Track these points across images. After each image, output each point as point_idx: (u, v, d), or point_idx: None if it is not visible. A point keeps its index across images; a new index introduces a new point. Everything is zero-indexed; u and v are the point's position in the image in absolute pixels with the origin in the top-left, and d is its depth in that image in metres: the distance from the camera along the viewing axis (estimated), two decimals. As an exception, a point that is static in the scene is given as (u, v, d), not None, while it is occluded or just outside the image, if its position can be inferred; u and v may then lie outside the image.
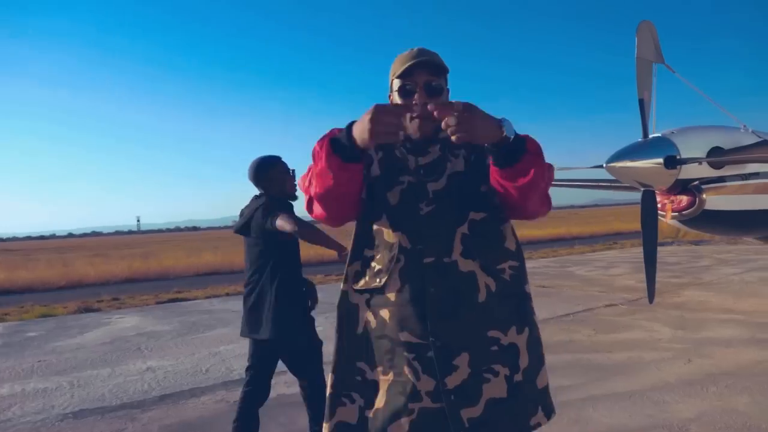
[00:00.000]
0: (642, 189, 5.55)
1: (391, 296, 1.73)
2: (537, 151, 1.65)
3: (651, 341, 6.25)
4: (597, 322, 7.34)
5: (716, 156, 5.44)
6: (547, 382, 1.82)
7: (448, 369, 1.67)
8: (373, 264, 1.79)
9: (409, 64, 1.74)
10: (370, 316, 1.78)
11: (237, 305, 10.57)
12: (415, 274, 1.72)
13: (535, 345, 1.79)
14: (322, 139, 1.69)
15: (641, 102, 5.48)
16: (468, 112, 1.54)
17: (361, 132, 1.57)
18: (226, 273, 19.58)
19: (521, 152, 1.61)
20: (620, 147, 5.52)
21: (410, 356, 1.69)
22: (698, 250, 17.04)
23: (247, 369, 3.47)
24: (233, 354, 6.68)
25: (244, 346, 6.90)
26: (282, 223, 3.21)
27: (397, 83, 1.80)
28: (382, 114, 1.55)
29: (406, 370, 1.69)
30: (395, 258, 1.74)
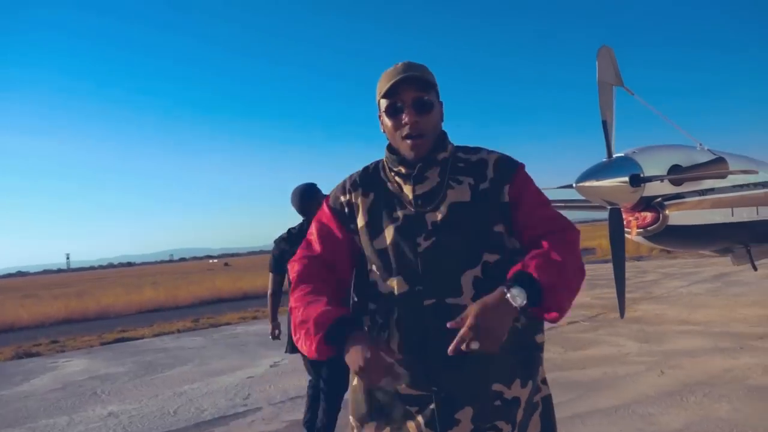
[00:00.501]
0: (609, 207, 5.72)
1: (394, 347, 1.61)
2: (556, 281, 1.51)
3: (620, 356, 6.38)
4: (564, 340, 7.44)
5: (676, 173, 5.69)
6: (541, 427, 1.70)
7: (450, 423, 1.56)
8: (377, 317, 1.67)
9: (394, 81, 1.63)
10: None
11: (192, 342, 10.39)
12: (414, 319, 1.60)
13: (533, 395, 1.68)
14: (327, 218, 1.75)
15: (604, 123, 5.68)
16: (481, 320, 1.42)
17: (353, 366, 1.52)
18: (171, 309, 18.94)
19: (540, 296, 1.49)
20: (587, 167, 5.69)
21: (412, 409, 1.59)
22: (641, 265, 17.69)
23: (311, 382, 4.13)
24: (200, 393, 6.38)
25: (210, 384, 6.76)
26: None
27: (384, 103, 1.68)
28: (370, 373, 1.48)
29: (408, 423, 1.59)
30: (390, 309, 1.63)
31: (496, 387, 1.59)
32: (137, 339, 11.70)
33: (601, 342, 7.16)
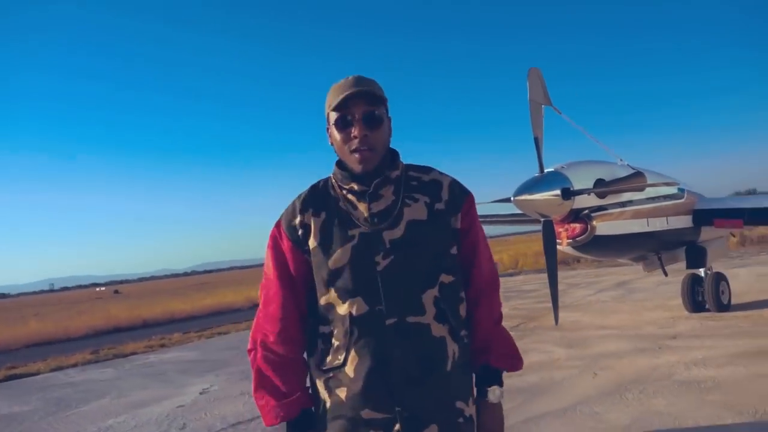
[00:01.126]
0: (542, 219, 6.03)
1: (350, 372, 1.60)
2: (509, 352, 1.82)
3: (551, 361, 6.68)
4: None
5: (600, 187, 6.10)
6: None
7: None
8: (333, 340, 1.65)
9: (344, 95, 1.62)
10: (326, 396, 1.65)
11: (102, 374, 9.69)
12: (376, 339, 1.58)
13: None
14: (285, 246, 1.73)
15: (536, 140, 6.00)
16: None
17: None
18: (63, 341, 17.65)
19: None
20: (521, 182, 5.97)
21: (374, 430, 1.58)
22: (545, 277, 18.63)
23: None
24: (129, 427, 5.97)
25: (138, 416, 6.32)
26: None
27: (333, 116, 1.66)
28: None
29: None
30: (349, 330, 1.60)
31: (459, 404, 1.64)
32: (32, 375, 10.67)
33: (530, 350, 7.44)
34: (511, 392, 5.42)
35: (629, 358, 6.38)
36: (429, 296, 1.61)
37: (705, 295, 8.23)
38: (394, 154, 1.73)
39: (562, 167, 6.10)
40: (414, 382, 1.56)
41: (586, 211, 6.10)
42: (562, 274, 18.45)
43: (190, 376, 8.39)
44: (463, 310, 1.70)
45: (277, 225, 1.76)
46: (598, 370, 5.97)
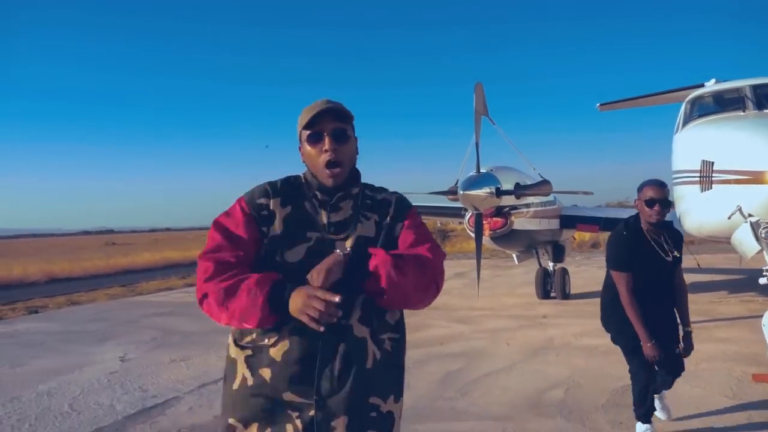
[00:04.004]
0: (475, 212, 7.11)
1: (277, 355, 1.72)
2: (389, 272, 1.71)
3: (459, 333, 7.78)
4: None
5: (518, 190, 7.38)
6: None
7: (326, 430, 1.70)
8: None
9: (315, 112, 1.80)
10: (247, 373, 1.75)
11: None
12: (307, 333, 1.69)
13: (399, 412, 1.90)
14: (257, 290, 1.67)
15: (476, 145, 7.06)
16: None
17: (295, 310, 1.65)
18: None
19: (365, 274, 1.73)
20: (464, 178, 6.99)
21: (294, 414, 1.71)
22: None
23: None
24: (74, 389, 5.68)
25: (68, 382, 5.94)
26: None
27: (305, 133, 1.84)
28: (312, 301, 1.62)
29: (288, 427, 1.71)
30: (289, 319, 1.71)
31: (374, 400, 1.77)
32: None
33: (433, 325, 8.49)
34: (452, 356, 6.43)
35: (522, 331, 7.78)
36: (359, 300, 1.76)
37: (553, 285, 10.12)
38: (356, 174, 1.93)
39: (492, 169, 7.26)
40: (333, 376, 1.71)
41: (507, 209, 7.35)
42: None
43: (81, 346, 7.91)
44: (391, 316, 1.85)
45: (239, 201, 1.87)
46: (508, 341, 7.23)
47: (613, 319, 3.83)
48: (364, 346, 1.76)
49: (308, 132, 1.82)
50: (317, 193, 1.84)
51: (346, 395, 1.71)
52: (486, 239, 7.70)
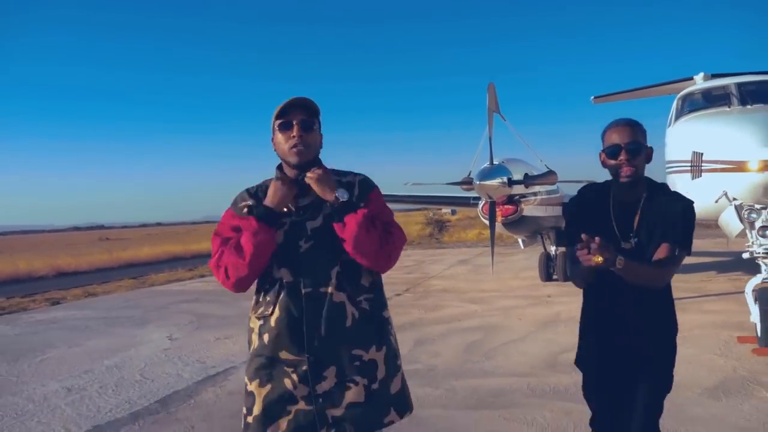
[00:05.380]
0: (489, 201, 7.84)
1: (273, 323, 2.09)
2: (358, 224, 2.02)
3: (473, 312, 8.51)
4: (418, 306, 9.33)
5: (527, 180, 8.12)
6: (401, 386, 2.20)
7: (319, 379, 2.06)
8: (267, 296, 2.14)
9: (285, 103, 2.10)
10: (256, 339, 2.14)
11: (8, 329, 9.06)
12: (295, 302, 2.07)
13: (392, 359, 2.19)
14: (235, 219, 2.15)
15: (490, 139, 7.78)
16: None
17: (273, 200, 2.07)
18: None
19: (346, 212, 2.04)
20: (478, 169, 7.72)
21: (289, 370, 2.07)
22: (420, 252, 20.88)
23: None
24: (136, 362, 6.37)
25: (127, 358, 6.52)
26: None
27: (277, 122, 2.11)
28: (282, 187, 2.08)
29: (285, 381, 2.06)
30: (277, 292, 2.10)
31: (356, 351, 2.09)
32: None
33: (447, 305, 9.25)
34: (471, 330, 7.17)
35: (531, 309, 8.54)
36: (334, 271, 2.09)
37: (555, 268, 10.89)
38: (320, 162, 2.21)
39: (503, 161, 7.99)
40: (319, 335, 2.06)
41: (517, 197, 8.08)
42: (422, 252, 20.99)
43: (126, 329, 8.57)
44: (366, 280, 2.16)
45: (226, 212, 2.24)
46: (518, 317, 7.98)
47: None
48: (342, 309, 2.08)
49: (279, 121, 2.10)
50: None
51: (331, 349, 2.06)
52: (498, 225, 8.43)
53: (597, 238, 1.97)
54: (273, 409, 2.05)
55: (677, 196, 2.28)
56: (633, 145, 2.19)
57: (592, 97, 13.64)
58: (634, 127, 2.23)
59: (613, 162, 2.22)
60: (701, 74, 9.70)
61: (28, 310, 11.87)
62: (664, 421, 3.80)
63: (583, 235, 2.01)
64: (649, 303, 2.27)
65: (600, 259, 1.99)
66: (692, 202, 2.25)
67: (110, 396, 5.23)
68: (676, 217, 2.21)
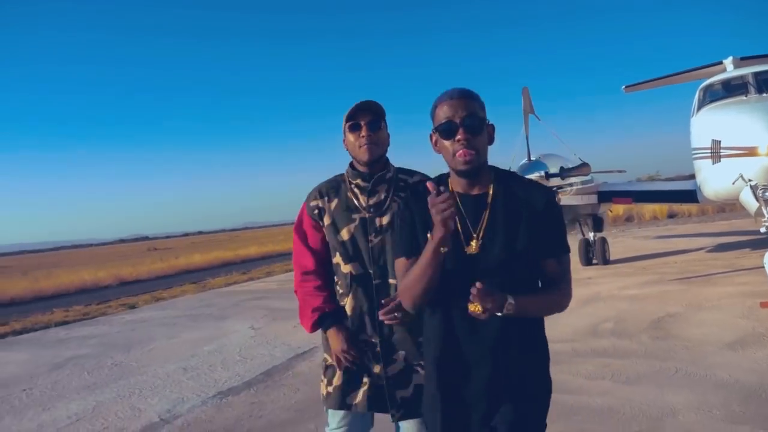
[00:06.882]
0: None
1: (349, 311, 2.29)
2: None
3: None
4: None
5: (563, 173, 8.94)
6: None
7: (390, 361, 2.24)
8: (338, 288, 2.35)
9: (355, 106, 2.25)
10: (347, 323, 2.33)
11: (108, 328, 10.42)
12: (366, 293, 2.24)
13: None
14: (307, 219, 2.40)
15: (527, 138, 8.64)
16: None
17: (333, 348, 2.30)
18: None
19: None
20: (518, 165, 8.59)
21: (366, 348, 2.28)
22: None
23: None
24: (234, 345, 7.43)
25: (224, 343, 7.59)
26: None
27: (347, 124, 2.27)
28: (339, 353, 2.27)
29: (363, 357, 2.28)
30: (348, 284, 2.28)
31: (421, 338, 2.06)
32: (29, 331, 10.78)
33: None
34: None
35: (575, 290, 8.80)
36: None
37: (594, 253, 11.64)
38: (387, 161, 2.36)
39: (540, 157, 8.84)
40: (389, 325, 2.17)
41: (554, 188, 8.90)
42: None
43: (210, 322, 9.70)
44: None
45: (302, 208, 2.45)
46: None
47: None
48: None
49: (349, 123, 2.26)
50: (358, 181, 2.31)
51: (399, 337, 2.23)
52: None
53: (477, 284, 1.55)
54: (352, 381, 2.29)
55: (535, 185, 1.83)
56: (471, 119, 1.68)
57: (624, 87, 14.17)
58: (471, 99, 1.72)
59: (447, 143, 1.71)
60: (730, 58, 10.26)
61: (107, 314, 13.06)
62: (687, 367, 4.69)
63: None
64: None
65: (480, 309, 1.57)
66: (554, 192, 1.88)
67: (221, 372, 6.31)
68: (545, 216, 1.72)
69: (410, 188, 2.27)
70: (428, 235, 1.62)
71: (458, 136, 1.67)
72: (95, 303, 15.73)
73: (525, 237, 1.69)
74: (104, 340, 9.22)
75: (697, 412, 3.85)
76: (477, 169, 1.72)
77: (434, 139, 1.76)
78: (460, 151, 1.68)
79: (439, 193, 1.55)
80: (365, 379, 2.27)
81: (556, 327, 6.78)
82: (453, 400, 1.75)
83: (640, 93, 14.45)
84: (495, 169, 1.82)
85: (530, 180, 1.88)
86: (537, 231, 1.71)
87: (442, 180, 1.84)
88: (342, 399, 2.29)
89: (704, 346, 5.36)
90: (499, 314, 1.60)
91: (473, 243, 1.71)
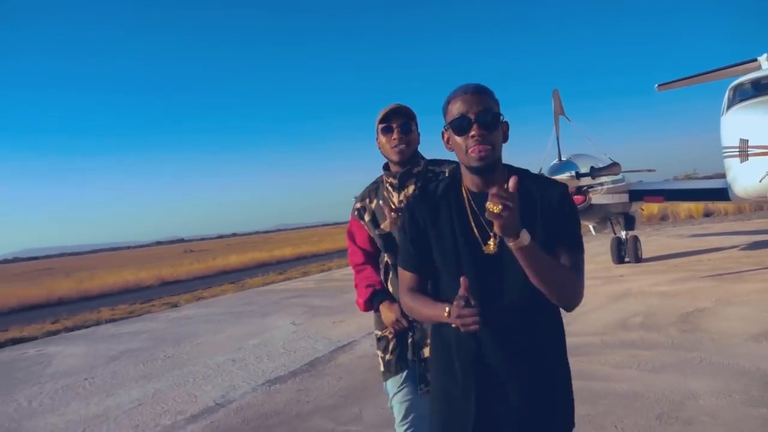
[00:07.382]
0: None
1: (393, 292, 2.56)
2: None
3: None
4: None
5: (594, 172, 9.14)
6: None
7: (423, 345, 2.43)
8: (382, 276, 2.62)
9: (387, 110, 2.42)
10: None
11: (155, 324, 10.91)
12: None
13: None
14: (355, 221, 2.68)
15: (557, 138, 8.87)
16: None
17: (384, 318, 2.52)
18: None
19: None
20: (549, 166, 8.82)
21: (408, 334, 2.48)
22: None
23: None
24: (275, 340, 7.86)
25: (268, 338, 8.03)
26: None
27: (381, 126, 2.45)
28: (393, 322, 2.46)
29: (408, 339, 2.49)
30: (386, 273, 2.55)
31: None
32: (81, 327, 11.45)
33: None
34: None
35: (605, 287, 9.50)
36: None
37: (626, 251, 11.76)
38: (417, 155, 2.52)
39: (570, 157, 9.05)
40: None
41: (585, 188, 9.12)
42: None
43: (253, 319, 10.17)
44: None
45: (354, 205, 2.71)
46: (593, 293, 8.97)
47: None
48: None
49: (383, 125, 2.44)
50: (391, 180, 2.49)
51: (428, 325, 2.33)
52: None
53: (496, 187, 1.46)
54: (404, 347, 2.51)
55: (548, 181, 1.75)
56: (485, 115, 1.63)
57: (656, 85, 14.20)
58: (485, 94, 1.67)
59: (460, 140, 1.65)
60: (765, 55, 10.30)
61: (152, 312, 13.69)
62: (711, 357, 4.91)
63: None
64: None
65: (499, 207, 1.43)
66: (567, 187, 1.76)
67: (267, 363, 6.73)
68: (559, 211, 1.66)
69: (416, 190, 2.37)
70: (446, 310, 1.59)
71: (472, 132, 1.62)
72: (139, 302, 16.37)
73: (542, 233, 1.62)
74: (153, 335, 9.77)
75: (718, 397, 4.09)
76: (491, 166, 1.66)
77: (446, 136, 1.70)
78: (474, 147, 1.62)
79: (468, 304, 1.52)
80: (408, 358, 2.49)
81: (586, 321, 7.03)
82: (484, 417, 1.68)
83: (674, 91, 14.48)
84: (509, 167, 1.75)
85: (543, 176, 1.81)
86: (552, 226, 1.65)
87: (454, 177, 1.79)
88: (402, 361, 2.49)
89: (730, 338, 5.55)
90: (512, 244, 1.49)
91: (491, 242, 1.66)
